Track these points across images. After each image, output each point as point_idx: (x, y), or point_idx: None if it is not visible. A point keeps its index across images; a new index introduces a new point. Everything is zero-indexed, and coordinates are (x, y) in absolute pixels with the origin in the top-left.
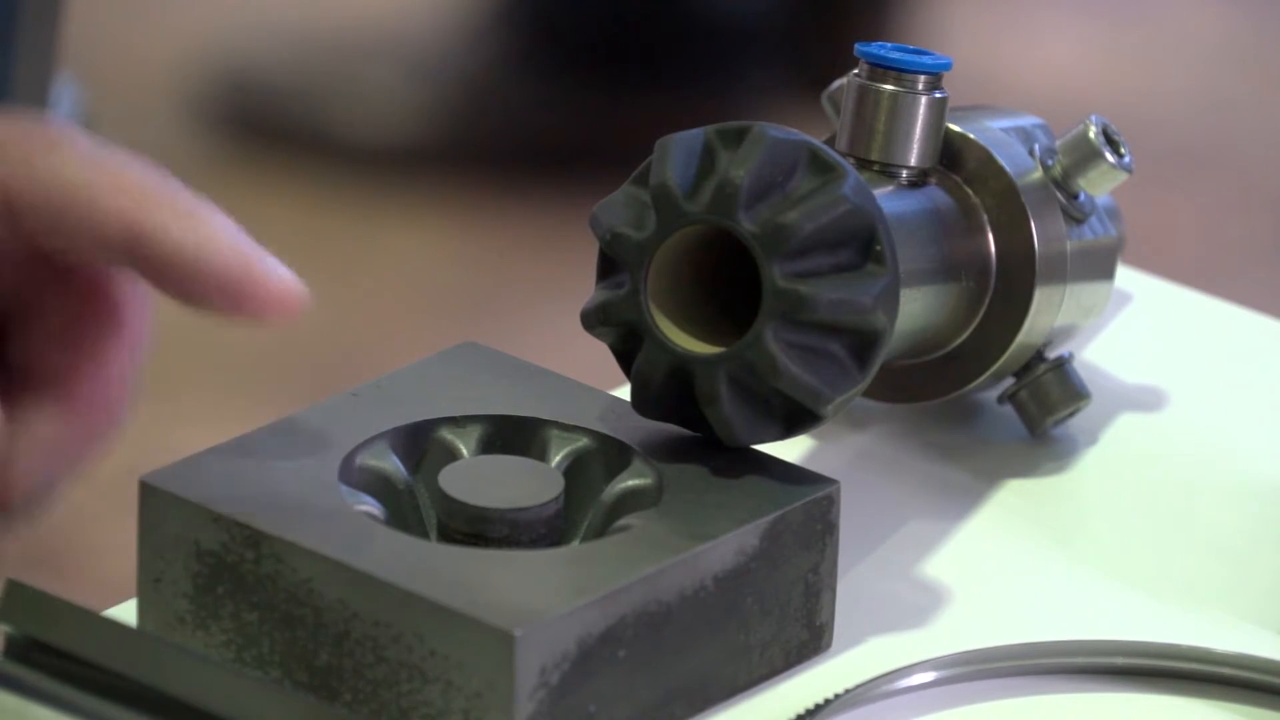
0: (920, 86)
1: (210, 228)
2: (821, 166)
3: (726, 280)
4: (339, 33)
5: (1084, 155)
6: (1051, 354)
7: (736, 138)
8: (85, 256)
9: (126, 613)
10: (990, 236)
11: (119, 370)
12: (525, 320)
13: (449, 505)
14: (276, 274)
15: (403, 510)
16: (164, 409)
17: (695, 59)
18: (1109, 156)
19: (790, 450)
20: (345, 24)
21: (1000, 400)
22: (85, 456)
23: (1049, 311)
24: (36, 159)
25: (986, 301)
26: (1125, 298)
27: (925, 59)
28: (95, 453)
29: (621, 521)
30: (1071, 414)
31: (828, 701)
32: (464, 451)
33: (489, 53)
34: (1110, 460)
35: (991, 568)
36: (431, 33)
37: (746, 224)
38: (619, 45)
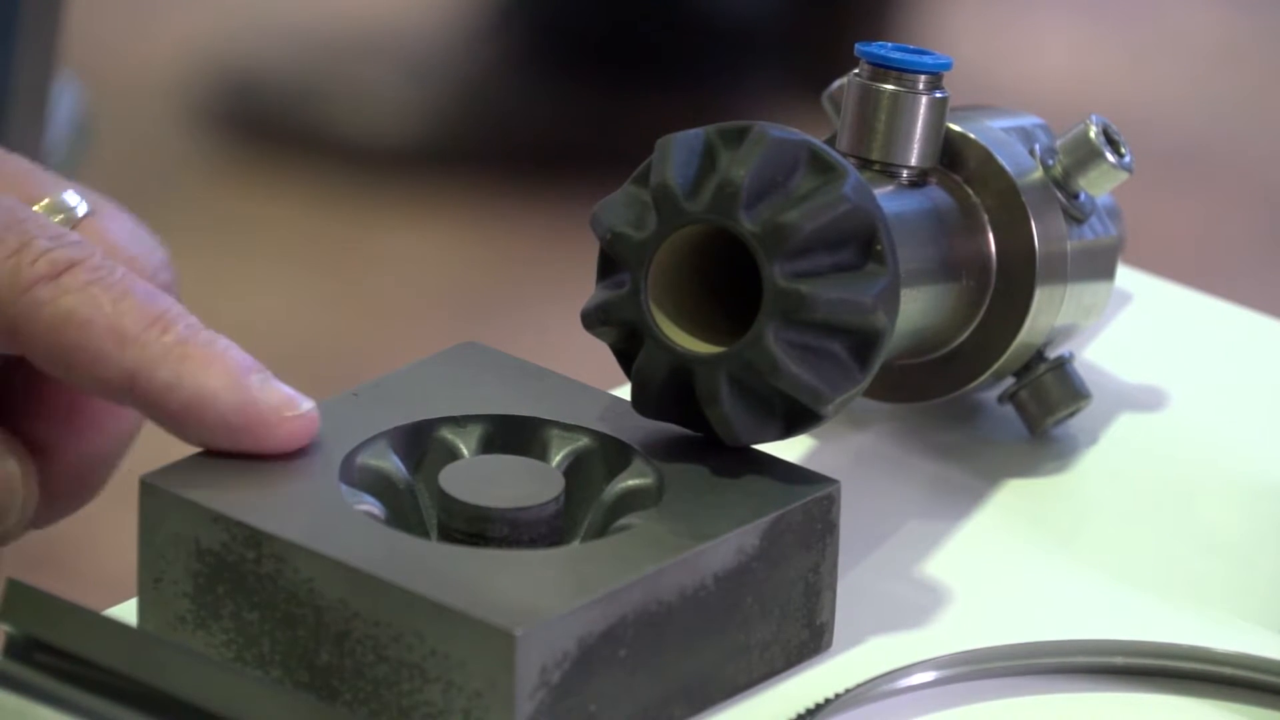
0: (921, 86)
1: (209, 375)
2: (822, 166)
3: (726, 280)
4: (339, 33)
5: (1084, 155)
6: (1052, 354)
7: (737, 137)
8: (85, 389)
9: (126, 613)
10: (990, 236)
11: (102, 452)
12: (525, 320)
13: (449, 505)
14: (278, 409)
15: (403, 510)
16: None
17: (695, 59)
18: (1109, 156)
19: (790, 450)
20: (345, 24)
21: (1000, 400)
22: (42, 521)
23: (1049, 311)
24: (40, 289)
25: (986, 301)
26: (1125, 298)
27: (926, 59)
28: (52, 519)
29: (622, 521)
30: (1072, 414)
31: (828, 701)
32: (464, 451)
33: (489, 53)
34: (1110, 460)
35: (991, 568)
36: (431, 33)
37: (747, 224)
38: (619, 46)
